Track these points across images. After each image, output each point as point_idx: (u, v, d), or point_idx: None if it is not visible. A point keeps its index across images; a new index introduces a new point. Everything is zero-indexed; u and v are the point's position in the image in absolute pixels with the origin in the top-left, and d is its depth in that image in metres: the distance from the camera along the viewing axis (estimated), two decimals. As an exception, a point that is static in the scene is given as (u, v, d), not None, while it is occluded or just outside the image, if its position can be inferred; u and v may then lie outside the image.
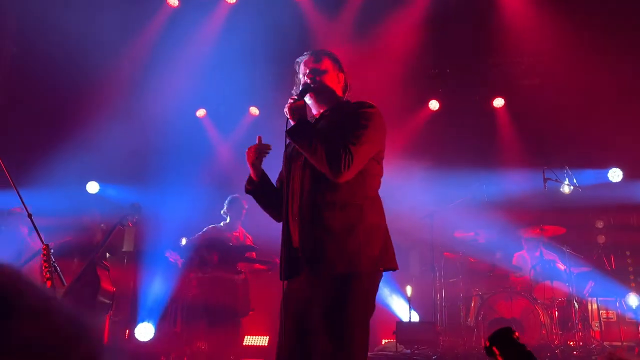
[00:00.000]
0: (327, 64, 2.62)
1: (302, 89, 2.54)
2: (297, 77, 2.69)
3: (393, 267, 2.48)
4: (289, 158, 2.61)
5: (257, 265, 5.96)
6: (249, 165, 2.64)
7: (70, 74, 7.12)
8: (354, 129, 2.40)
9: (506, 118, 8.14)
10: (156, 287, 6.08)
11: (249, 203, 5.66)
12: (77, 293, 5.31)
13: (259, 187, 2.68)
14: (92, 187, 8.28)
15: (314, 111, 2.66)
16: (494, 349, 1.35)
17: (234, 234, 5.83)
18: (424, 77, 7.97)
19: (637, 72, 6.98)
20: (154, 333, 5.85)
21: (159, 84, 7.58)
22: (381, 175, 2.59)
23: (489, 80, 7.95)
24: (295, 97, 2.47)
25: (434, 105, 8.28)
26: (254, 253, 5.81)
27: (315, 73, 2.57)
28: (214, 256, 5.48)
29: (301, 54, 2.71)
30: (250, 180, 2.69)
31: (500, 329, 1.38)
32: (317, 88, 2.56)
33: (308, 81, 2.56)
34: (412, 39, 7.61)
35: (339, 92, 2.66)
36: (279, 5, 7.38)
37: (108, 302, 5.53)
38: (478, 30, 7.58)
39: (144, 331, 5.83)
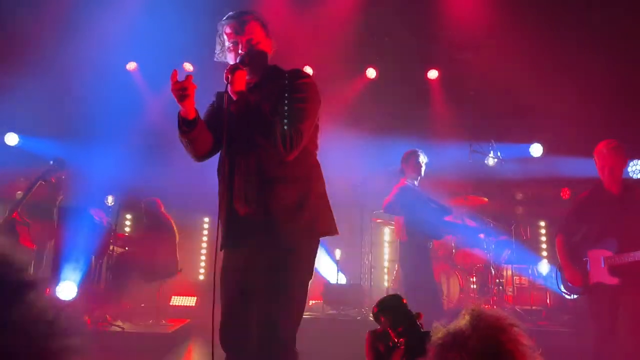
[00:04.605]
0: (257, 31, 2.56)
1: (239, 60, 2.47)
2: (219, 37, 2.63)
3: (335, 233, 2.57)
4: (224, 125, 2.44)
5: None
6: (181, 104, 2.36)
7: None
8: (295, 104, 2.40)
9: (439, 90, 8.33)
10: (80, 245, 5.87)
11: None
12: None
13: (197, 126, 2.44)
14: (11, 138, 7.80)
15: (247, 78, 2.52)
16: (381, 316, 1.37)
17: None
18: (362, 45, 7.95)
19: (566, 50, 7.25)
20: (77, 292, 5.67)
21: (88, 33, 7.13)
22: (317, 137, 2.62)
23: (425, 51, 8.06)
24: (234, 64, 2.43)
25: (371, 73, 8.33)
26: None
27: (249, 44, 2.52)
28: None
29: (238, 9, 2.63)
30: (184, 121, 2.41)
31: (389, 296, 1.42)
32: (252, 61, 2.49)
33: (242, 53, 2.50)
34: (352, 5, 7.56)
35: (269, 59, 2.63)
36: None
37: (26, 259, 5.30)
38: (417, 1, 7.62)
39: (66, 290, 5.64)
